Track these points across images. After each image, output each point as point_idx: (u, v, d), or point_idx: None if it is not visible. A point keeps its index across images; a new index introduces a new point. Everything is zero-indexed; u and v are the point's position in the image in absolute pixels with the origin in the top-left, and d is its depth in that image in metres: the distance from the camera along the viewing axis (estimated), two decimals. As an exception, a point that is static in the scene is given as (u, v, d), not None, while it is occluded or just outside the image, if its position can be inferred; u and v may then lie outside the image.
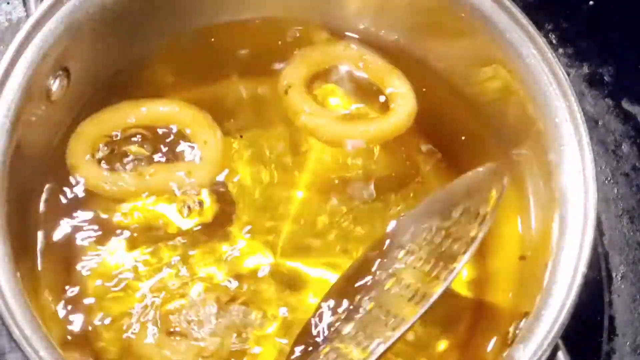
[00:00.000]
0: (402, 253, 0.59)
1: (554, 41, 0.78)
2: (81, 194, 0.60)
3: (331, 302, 0.59)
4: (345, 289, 0.59)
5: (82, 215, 0.60)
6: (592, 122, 0.75)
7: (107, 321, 0.58)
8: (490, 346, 0.59)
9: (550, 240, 0.57)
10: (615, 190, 0.74)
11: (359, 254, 0.61)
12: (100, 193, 0.60)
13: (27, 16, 0.58)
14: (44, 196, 0.60)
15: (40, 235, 0.59)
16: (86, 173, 0.59)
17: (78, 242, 0.60)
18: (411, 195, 0.63)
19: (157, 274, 0.60)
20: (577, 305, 0.54)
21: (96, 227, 0.60)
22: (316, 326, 0.58)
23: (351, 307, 0.58)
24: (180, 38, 0.65)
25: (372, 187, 0.63)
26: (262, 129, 0.65)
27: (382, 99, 0.64)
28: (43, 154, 0.59)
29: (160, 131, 0.62)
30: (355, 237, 0.62)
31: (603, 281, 0.71)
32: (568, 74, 0.65)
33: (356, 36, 0.66)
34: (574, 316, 0.54)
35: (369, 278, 0.59)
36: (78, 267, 0.60)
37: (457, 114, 0.65)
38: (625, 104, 0.77)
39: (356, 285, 0.59)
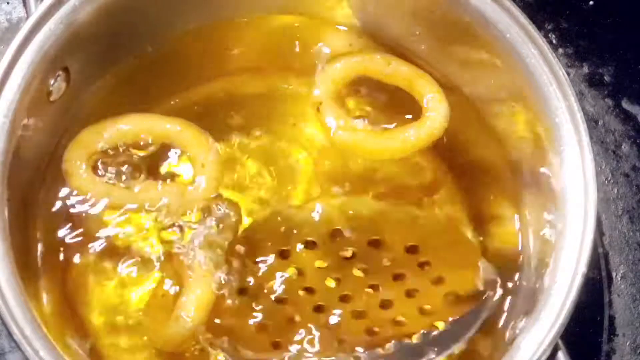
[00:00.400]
0: None
1: (554, 41, 0.78)
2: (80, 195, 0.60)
3: None
4: None
5: (82, 216, 0.60)
6: (592, 122, 0.75)
7: (105, 319, 0.59)
8: (490, 346, 0.59)
9: (551, 240, 0.57)
10: (615, 190, 0.74)
11: None
12: (90, 200, 0.59)
13: (27, 16, 0.58)
14: (43, 196, 0.60)
15: (40, 235, 0.59)
16: (79, 181, 0.59)
17: (78, 242, 0.60)
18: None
19: (153, 276, 0.60)
20: (577, 305, 0.54)
21: (96, 227, 0.60)
22: None
23: None
24: (181, 38, 0.65)
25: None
26: (262, 130, 0.64)
27: (414, 104, 0.63)
28: (43, 153, 0.60)
29: (161, 147, 0.61)
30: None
31: (603, 281, 0.71)
32: (568, 74, 0.65)
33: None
34: (574, 316, 0.54)
35: None
36: (78, 267, 0.60)
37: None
38: (625, 104, 0.77)
39: None
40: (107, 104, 0.62)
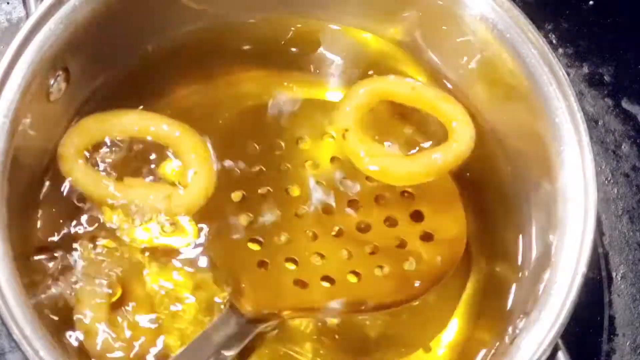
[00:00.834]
0: None
1: (554, 41, 0.77)
2: (80, 194, 0.60)
3: None
4: None
5: (82, 216, 0.60)
6: (592, 122, 0.75)
7: (105, 320, 0.59)
8: (489, 346, 0.59)
9: (550, 241, 0.57)
10: (615, 190, 0.74)
11: None
12: (79, 190, 0.59)
13: (27, 16, 0.58)
14: (44, 196, 0.60)
15: (40, 235, 0.59)
16: (71, 166, 0.59)
17: (77, 241, 0.60)
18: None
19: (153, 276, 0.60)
20: (577, 305, 0.54)
21: (96, 227, 0.60)
22: None
23: None
24: (181, 38, 0.65)
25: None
26: (263, 132, 0.64)
27: (439, 127, 0.63)
28: (43, 153, 0.59)
29: (158, 148, 0.61)
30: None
31: (603, 281, 0.71)
32: (568, 74, 0.65)
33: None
34: (574, 316, 0.54)
35: None
36: (78, 267, 0.60)
37: None
38: (625, 104, 0.77)
39: None
40: (107, 104, 0.62)
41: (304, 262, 0.60)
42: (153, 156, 0.61)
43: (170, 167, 0.62)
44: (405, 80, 0.64)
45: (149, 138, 0.61)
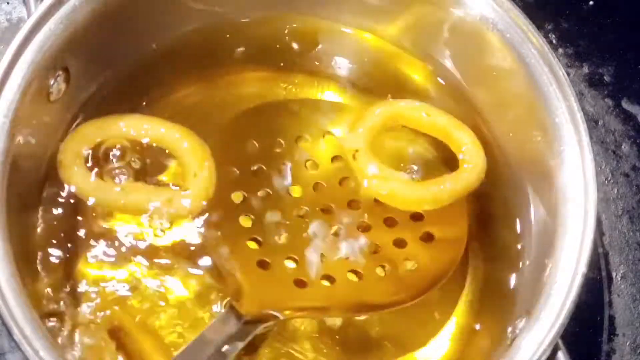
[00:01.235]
0: None
1: (554, 41, 0.78)
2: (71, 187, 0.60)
3: None
4: None
5: (81, 216, 0.60)
6: (592, 122, 0.75)
7: (105, 319, 0.59)
8: (490, 346, 0.59)
9: (550, 241, 0.57)
10: (615, 190, 0.74)
11: None
12: (79, 194, 0.59)
13: (27, 16, 0.58)
14: (43, 196, 0.60)
15: (40, 235, 0.59)
16: (71, 173, 0.59)
17: (77, 242, 0.60)
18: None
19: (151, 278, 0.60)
20: (577, 305, 0.54)
21: (95, 228, 0.60)
22: None
23: None
24: (181, 37, 0.65)
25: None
26: (263, 132, 0.64)
27: (449, 154, 0.63)
28: (43, 154, 0.59)
29: (157, 151, 0.61)
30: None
31: (603, 281, 0.71)
32: (568, 74, 0.65)
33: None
34: (574, 316, 0.54)
35: None
36: (78, 267, 0.60)
37: None
38: (625, 104, 0.77)
39: None
40: (107, 104, 0.62)
41: (304, 262, 0.60)
42: (152, 160, 0.61)
43: (170, 170, 0.62)
44: (419, 105, 0.63)
45: (147, 142, 0.61)
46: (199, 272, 0.60)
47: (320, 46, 0.67)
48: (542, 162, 0.59)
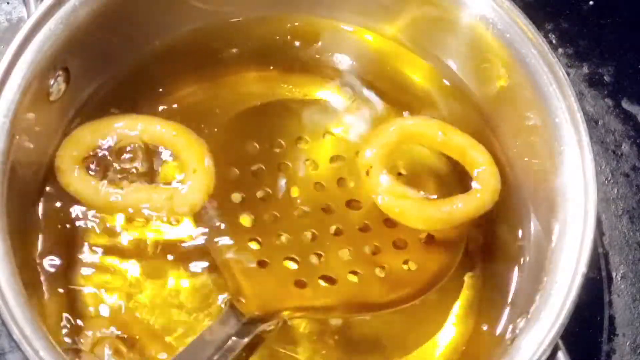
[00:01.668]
0: None
1: (554, 41, 0.78)
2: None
3: None
4: None
5: (81, 216, 0.60)
6: (592, 122, 0.75)
7: (104, 320, 0.59)
8: (490, 346, 0.59)
9: (551, 240, 0.57)
10: (615, 190, 0.74)
11: None
12: (79, 199, 0.59)
13: (27, 16, 0.58)
14: (43, 196, 0.60)
15: (40, 235, 0.59)
16: (70, 178, 0.59)
17: (77, 242, 0.60)
18: None
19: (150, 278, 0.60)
20: (577, 305, 0.54)
21: (95, 228, 0.60)
22: None
23: None
24: (181, 38, 0.65)
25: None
26: (263, 131, 0.64)
27: (463, 173, 0.62)
28: (43, 153, 0.59)
29: (154, 150, 0.61)
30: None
31: (603, 281, 0.71)
32: (568, 74, 0.65)
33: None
34: (574, 316, 0.54)
35: None
36: (77, 267, 0.60)
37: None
38: (625, 104, 0.77)
39: None
40: (107, 104, 0.62)
41: (303, 262, 0.60)
42: (151, 159, 0.61)
43: (168, 169, 0.62)
44: (435, 123, 0.63)
45: (144, 142, 0.61)
46: (199, 272, 0.60)
47: (320, 46, 0.67)
48: (542, 162, 0.59)
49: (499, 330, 0.59)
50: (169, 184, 0.61)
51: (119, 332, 0.58)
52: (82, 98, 0.62)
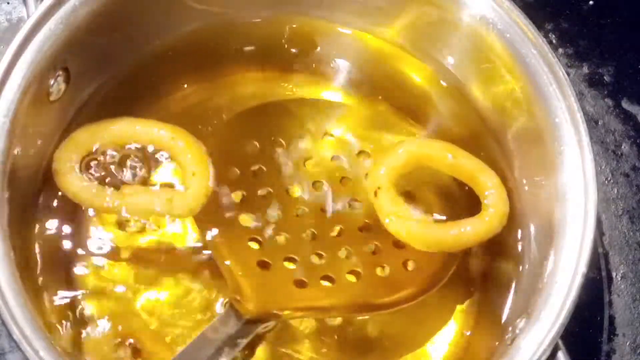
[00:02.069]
0: None
1: (554, 41, 0.78)
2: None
3: None
4: None
5: (81, 217, 0.60)
6: (592, 122, 0.75)
7: (104, 321, 0.59)
8: (490, 346, 0.59)
9: (550, 241, 0.57)
10: (615, 190, 0.74)
11: None
12: (77, 202, 0.59)
13: (27, 16, 0.58)
14: (43, 197, 0.60)
15: (40, 235, 0.59)
16: (67, 180, 0.59)
17: (77, 242, 0.60)
18: None
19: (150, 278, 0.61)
20: (577, 305, 0.54)
21: (95, 228, 0.61)
22: None
23: None
24: (181, 38, 0.65)
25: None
26: (263, 132, 0.64)
27: (471, 196, 0.62)
28: (43, 153, 0.59)
29: (152, 152, 0.61)
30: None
31: (603, 281, 0.71)
32: (568, 74, 0.65)
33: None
34: (574, 316, 0.54)
35: None
36: (78, 267, 0.60)
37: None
38: (625, 104, 0.77)
39: None
40: (107, 104, 0.62)
41: (303, 262, 0.60)
42: (149, 162, 0.61)
43: (167, 171, 0.62)
44: (445, 146, 0.62)
45: (142, 144, 0.61)
46: (199, 272, 0.60)
47: (320, 46, 0.67)
48: (542, 162, 0.59)
49: (498, 330, 0.59)
50: (168, 186, 0.61)
51: (118, 333, 0.59)
52: (82, 98, 0.62)
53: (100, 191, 0.59)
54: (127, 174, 0.61)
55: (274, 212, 0.61)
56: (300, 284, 0.59)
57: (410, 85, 0.67)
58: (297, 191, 0.62)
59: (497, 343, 0.59)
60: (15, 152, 0.55)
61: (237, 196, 0.61)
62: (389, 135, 0.65)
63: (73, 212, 0.60)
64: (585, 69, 0.77)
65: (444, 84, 0.66)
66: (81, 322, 0.58)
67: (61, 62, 0.58)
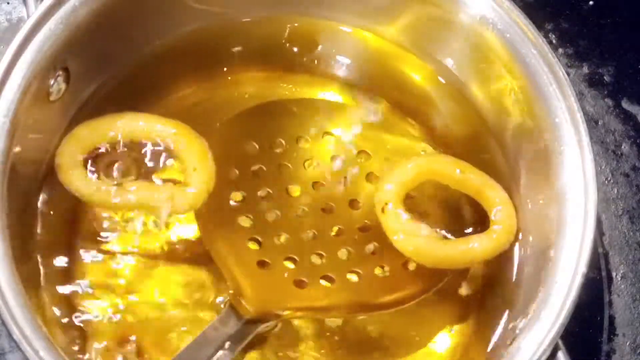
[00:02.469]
0: None
1: (554, 41, 0.78)
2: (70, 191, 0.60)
3: None
4: None
5: (82, 216, 0.60)
6: (592, 122, 0.75)
7: (105, 320, 0.59)
8: (490, 346, 0.59)
9: (550, 241, 0.57)
10: (615, 190, 0.74)
11: None
12: (79, 197, 0.59)
13: (27, 16, 0.58)
14: (44, 196, 0.60)
15: (40, 234, 0.59)
16: (70, 176, 0.59)
17: (77, 242, 0.60)
18: None
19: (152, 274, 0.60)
20: (577, 305, 0.54)
21: (96, 227, 0.61)
22: None
23: None
24: (181, 37, 0.65)
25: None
26: (263, 131, 0.64)
27: (479, 212, 0.62)
28: (43, 153, 0.59)
29: (154, 148, 0.61)
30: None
31: (603, 281, 0.71)
32: (568, 74, 0.65)
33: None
34: (574, 316, 0.54)
35: None
36: (78, 266, 0.60)
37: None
38: (625, 104, 0.77)
39: None
40: (107, 104, 0.62)
41: (303, 262, 0.60)
42: (152, 157, 0.61)
43: (170, 167, 0.62)
44: (453, 161, 0.62)
45: (145, 140, 0.61)
46: (199, 272, 0.60)
47: (320, 46, 0.67)
48: (542, 162, 0.59)
49: (499, 330, 0.59)
50: (170, 182, 0.61)
51: (118, 333, 0.59)
52: (82, 98, 0.62)
53: (103, 186, 0.59)
54: (129, 170, 0.61)
55: (273, 212, 0.61)
56: (300, 284, 0.59)
57: (411, 84, 0.67)
58: (296, 191, 0.62)
59: (497, 343, 0.59)
60: (15, 152, 0.55)
61: (237, 196, 0.61)
62: (388, 135, 0.65)
63: (73, 212, 0.60)
64: (585, 69, 0.77)
65: (444, 82, 0.66)
66: (81, 321, 0.58)
67: (61, 62, 0.58)
